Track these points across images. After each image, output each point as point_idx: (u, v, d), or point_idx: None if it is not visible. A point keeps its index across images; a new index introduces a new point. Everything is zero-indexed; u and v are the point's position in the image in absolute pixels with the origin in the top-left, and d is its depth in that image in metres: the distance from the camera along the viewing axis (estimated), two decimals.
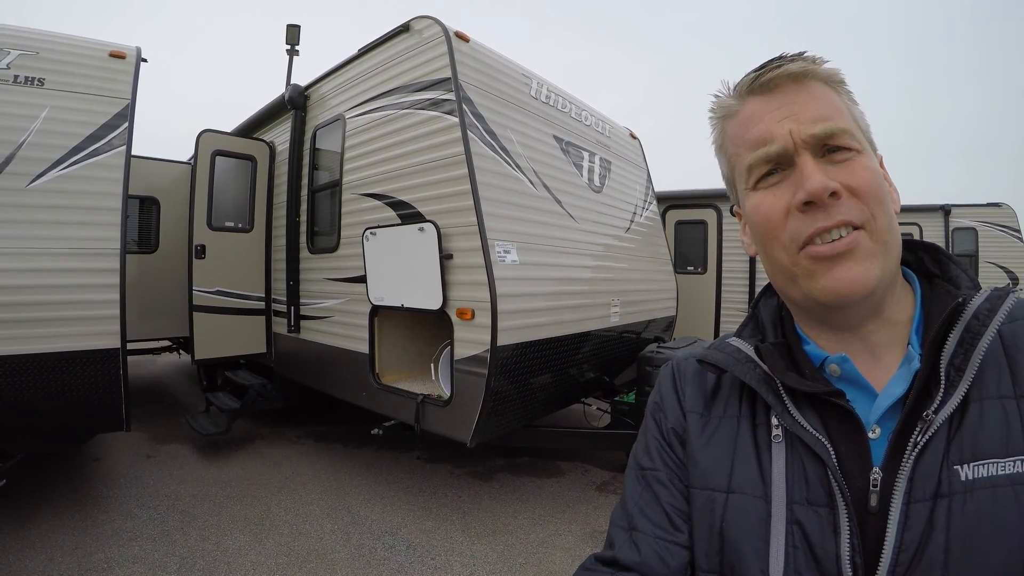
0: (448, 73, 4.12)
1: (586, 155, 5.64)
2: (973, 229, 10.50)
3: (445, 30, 4.18)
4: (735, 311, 8.62)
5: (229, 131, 6.39)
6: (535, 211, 4.55)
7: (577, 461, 5.85)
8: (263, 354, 6.28)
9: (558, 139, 5.22)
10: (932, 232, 11.42)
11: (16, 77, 3.88)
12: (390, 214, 4.57)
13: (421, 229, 4.16)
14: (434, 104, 4.24)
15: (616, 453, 5.80)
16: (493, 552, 4.08)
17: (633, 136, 7.02)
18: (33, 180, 3.82)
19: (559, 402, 5.21)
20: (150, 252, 7.25)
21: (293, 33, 11.57)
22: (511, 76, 4.80)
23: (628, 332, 5.80)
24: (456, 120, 4.04)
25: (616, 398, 5.65)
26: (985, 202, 10.41)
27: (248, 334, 6.15)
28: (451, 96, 4.09)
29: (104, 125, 4.12)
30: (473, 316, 3.95)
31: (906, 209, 11.64)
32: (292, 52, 10.34)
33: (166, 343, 8.65)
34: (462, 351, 4.04)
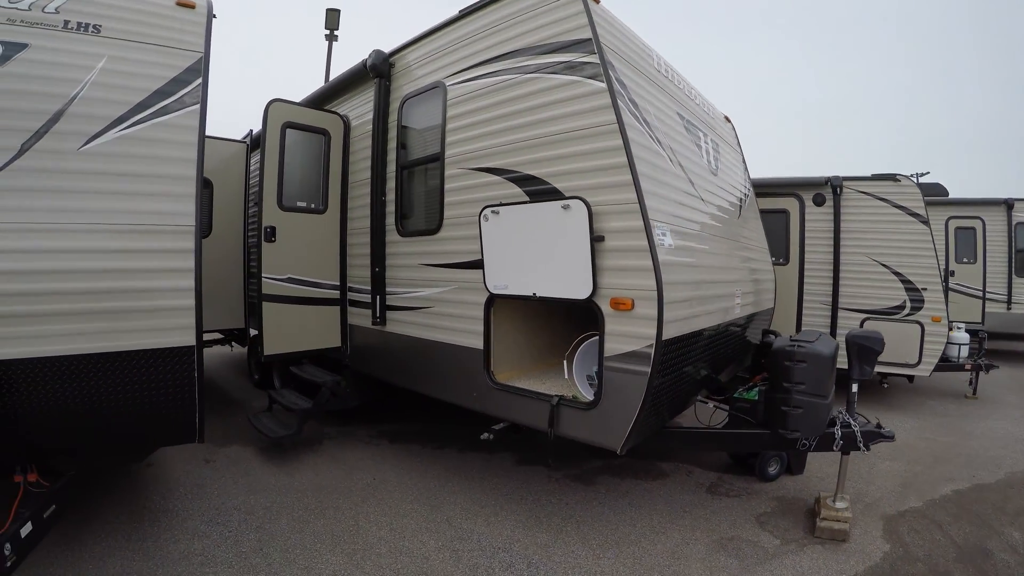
0: (587, 33, 3.62)
1: (701, 135, 5.19)
2: None
3: None
4: (818, 304, 8.17)
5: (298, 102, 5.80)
6: (676, 191, 4.08)
7: (677, 461, 5.46)
8: (336, 348, 5.73)
9: (680, 116, 4.76)
10: (995, 226, 11.09)
11: (67, 23, 3.23)
12: (514, 191, 4.04)
13: (566, 207, 3.63)
14: (570, 68, 3.73)
15: (718, 453, 5.44)
16: (623, 567, 3.67)
17: (727, 119, 6.56)
18: (87, 142, 3.17)
19: (689, 401, 4.76)
20: (203, 237, 6.68)
21: (333, 18, 11.02)
22: (639, 44, 4.35)
23: (746, 324, 5.37)
24: (603, 85, 3.54)
25: (736, 395, 5.16)
26: None
27: (322, 326, 5.61)
28: (593, 59, 3.59)
29: (173, 80, 3.48)
30: (633, 306, 3.45)
31: (968, 203, 11.28)
32: (331, 37, 9.84)
33: (216, 335, 8.13)
34: (616, 346, 3.54)
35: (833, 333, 7.86)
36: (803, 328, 8.06)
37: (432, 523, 4.19)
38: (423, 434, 6.14)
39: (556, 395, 3.87)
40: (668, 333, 3.40)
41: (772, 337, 6.13)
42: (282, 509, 4.36)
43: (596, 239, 3.54)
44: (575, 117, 3.70)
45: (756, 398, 4.94)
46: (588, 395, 3.93)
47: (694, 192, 4.41)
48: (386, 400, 6.11)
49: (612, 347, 3.56)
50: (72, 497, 3.68)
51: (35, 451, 3.33)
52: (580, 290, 3.62)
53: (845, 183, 8.02)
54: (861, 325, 7.86)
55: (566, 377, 4.22)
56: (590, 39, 3.60)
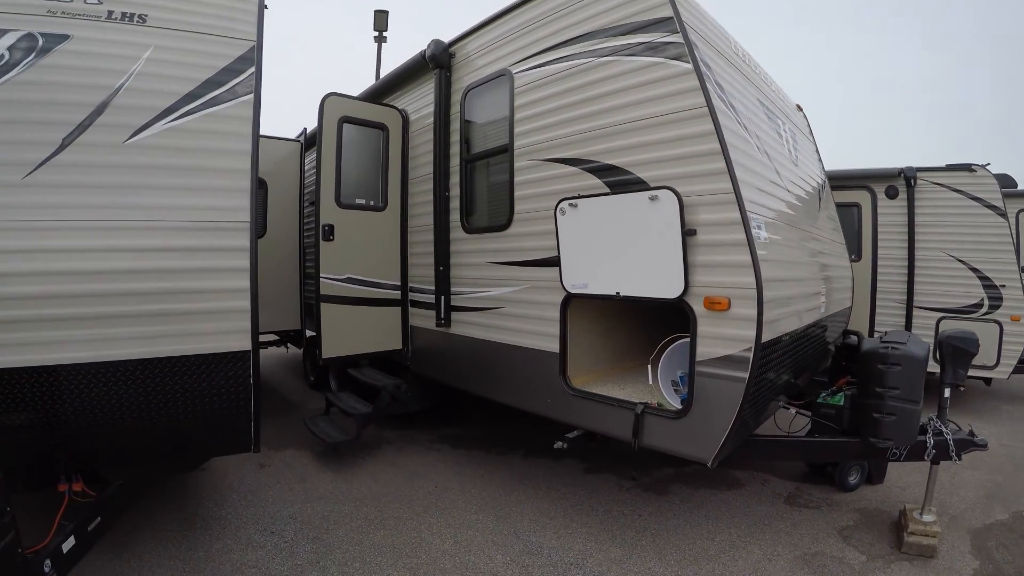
0: (669, 11, 3.36)
1: (780, 123, 4.88)
2: None
3: None
4: (892, 303, 7.78)
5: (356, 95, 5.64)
6: (765, 181, 3.79)
7: (750, 469, 5.17)
8: (397, 351, 5.54)
9: (760, 102, 4.46)
10: None
11: (111, 13, 3.05)
12: (592, 182, 3.78)
13: (653, 198, 3.36)
14: (650, 49, 3.46)
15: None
16: None
17: (799, 108, 6.22)
18: (133, 134, 3.01)
19: (774, 407, 4.46)
20: (258, 237, 6.60)
21: (382, 19, 10.94)
22: (717, 25, 4.08)
23: (828, 324, 5.05)
24: (688, 66, 3.27)
25: (819, 399, 4.83)
26: None
27: (382, 328, 5.44)
28: (676, 38, 3.33)
29: (224, 70, 3.27)
30: (729, 306, 3.17)
31: None
32: (380, 39, 9.71)
33: (272, 337, 8.08)
34: (710, 350, 3.26)
35: None
36: (876, 328, 7.68)
37: (499, 535, 3.97)
38: (484, 439, 5.93)
39: (640, 402, 3.61)
40: (766, 335, 3.13)
41: (854, 338, 5.77)
42: (340, 519, 4.18)
43: (687, 233, 3.27)
44: (659, 101, 3.43)
45: (842, 403, 4.63)
46: (674, 402, 3.67)
47: (780, 183, 4.12)
48: (446, 404, 5.89)
49: (705, 351, 3.28)
50: (120, 507, 3.52)
51: (81, 459, 3.18)
52: (670, 288, 3.36)
53: (919, 174, 7.61)
54: (937, 324, 7.48)
55: (650, 383, 3.95)
56: (671, 17, 3.34)
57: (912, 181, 7.60)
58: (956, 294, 7.44)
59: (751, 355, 3.08)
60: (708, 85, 3.26)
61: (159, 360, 3.01)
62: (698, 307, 3.28)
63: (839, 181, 7.83)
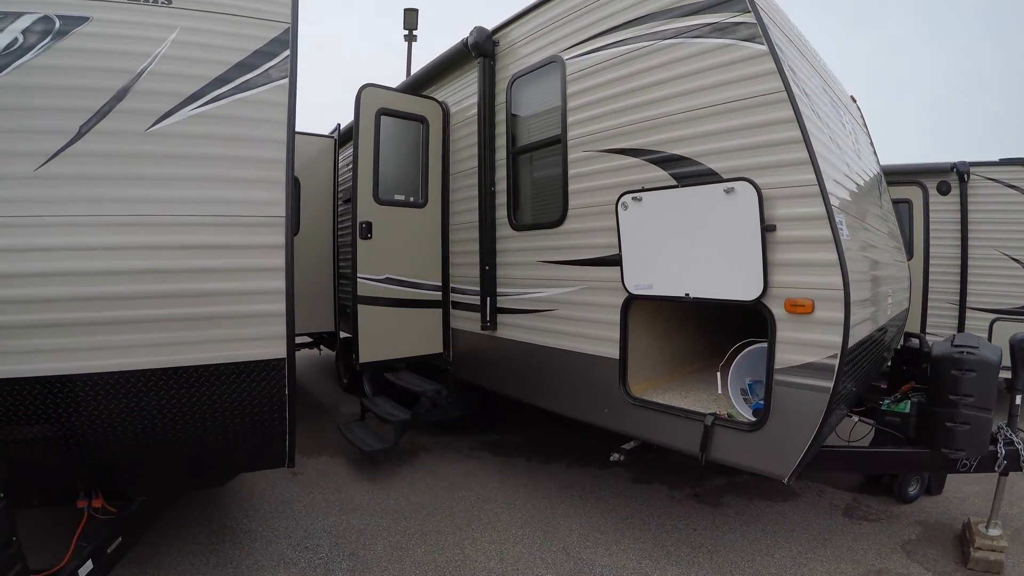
0: None
1: (842, 113, 4.62)
2: None
3: None
4: (944, 303, 7.47)
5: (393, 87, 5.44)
6: (840, 173, 3.54)
7: (804, 479, 4.89)
8: (438, 355, 5.35)
9: (825, 91, 4.19)
10: None
11: None
12: (657, 173, 3.52)
13: (729, 190, 3.11)
14: (719, 30, 3.21)
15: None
16: None
17: (853, 99, 5.94)
18: (156, 121, 2.75)
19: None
20: (293, 235, 6.48)
21: (412, 18, 10.81)
22: (779, 6, 3.82)
23: (892, 327, 4.79)
24: (763, 48, 3.02)
25: (883, 406, 4.55)
26: None
27: (422, 331, 5.25)
28: (748, 18, 3.08)
29: (256, 52, 3.01)
30: (813, 309, 2.91)
31: None
32: (410, 38, 9.53)
33: (305, 339, 7.94)
34: (790, 356, 3.01)
35: None
36: (928, 330, 7.39)
37: (547, 552, 3.74)
38: (526, 445, 5.70)
39: (709, 413, 3.37)
40: (853, 339, 2.89)
41: (915, 341, 5.47)
42: (378, 532, 3.96)
43: (767, 228, 3.02)
44: (731, 87, 3.18)
45: (908, 411, 4.34)
46: (745, 413, 3.43)
47: (850, 175, 3.88)
48: (487, 410, 5.71)
49: (785, 358, 3.03)
50: (143, 525, 3.32)
51: (100, 476, 2.97)
52: (747, 290, 3.10)
53: (972, 169, 7.31)
54: (990, 326, 7.19)
55: (719, 391, 3.70)
56: None
57: (965, 176, 7.32)
58: (1011, 294, 7.14)
59: (836, 363, 2.84)
60: (785, 68, 3.02)
61: (184, 370, 2.76)
62: (778, 310, 3.03)
63: (890, 176, 7.54)
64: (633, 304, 3.72)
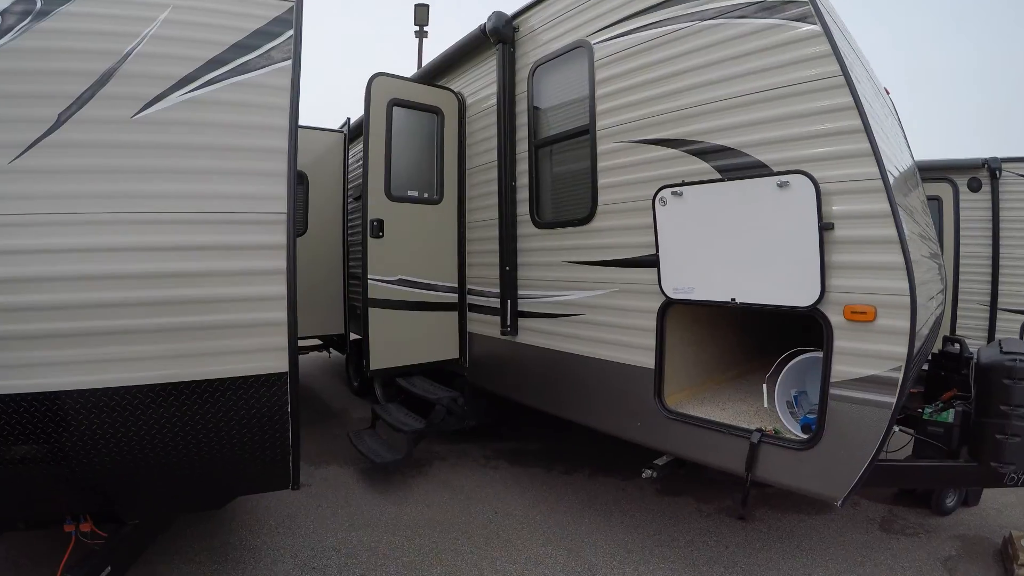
0: None
1: (885, 103, 4.43)
2: None
3: None
4: (975, 304, 7.24)
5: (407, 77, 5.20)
6: (894, 166, 3.32)
7: None
8: (453, 360, 5.14)
9: (869, 79, 3.98)
10: None
11: None
12: (698, 166, 3.27)
13: (783, 184, 2.86)
14: (767, 9, 2.97)
15: None
16: None
17: (887, 92, 5.68)
18: (143, 107, 2.52)
19: None
20: (298, 235, 6.29)
21: (422, 13, 10.64)
22: None
23: (934, 330, 4.51)
24: (817, 28, 2.80)
25: (925, 415, 4.29)
26: None
27: (437, 336, 5.05)
28: None
29: (256, 32, 2.77)
30: (875, 317, 2.67)
31: None
32: (421, 34, 9.32)
33: (314, 341, 7.75)
34: (849, 368, 2.77)
35: (991, 337, 6.95)
36: (957, 332, 7.17)
37: (572, 573, 3.52)
38: (544, 454, 5.47)
39: (755, 429, 3.12)
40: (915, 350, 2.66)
41: (956, 346, 5.20)
42: (390, 551, 3.74)
43: (824, 227, 2.77)
44: (781, 71, 2.93)
45: (951, 420, 4.08)
46: (793, 428, 3.18)
47: (901, 169, 3.67)
48: (506, 418, 5.52)
49: (843, 370, 2.79)
50: (135, 551, 3.13)
51: (88, 498, 2.74)
52: (802, 295, 2.85)
53: (1004, 165, 7.05)
54: (1022, 328, 6.89)
55: (765, 405, 3.45)
56: None
57: (997, 172, 7.05)
58: None
59: (900, 375, 2.61)
60: (840, 51, 2.78)
61: (173, 386, 2.54)
62: (836, 317, 2.79)
63: (919, 173, 7.33)
64: (671, 309, 3.47)
